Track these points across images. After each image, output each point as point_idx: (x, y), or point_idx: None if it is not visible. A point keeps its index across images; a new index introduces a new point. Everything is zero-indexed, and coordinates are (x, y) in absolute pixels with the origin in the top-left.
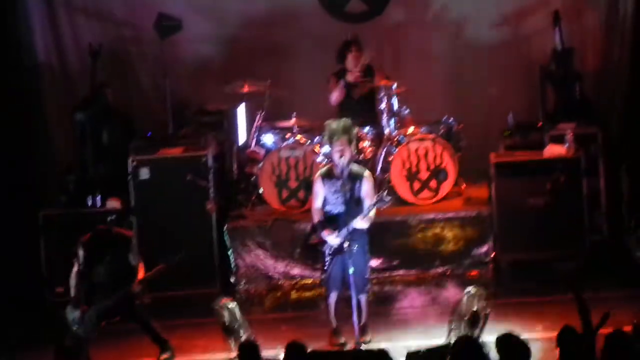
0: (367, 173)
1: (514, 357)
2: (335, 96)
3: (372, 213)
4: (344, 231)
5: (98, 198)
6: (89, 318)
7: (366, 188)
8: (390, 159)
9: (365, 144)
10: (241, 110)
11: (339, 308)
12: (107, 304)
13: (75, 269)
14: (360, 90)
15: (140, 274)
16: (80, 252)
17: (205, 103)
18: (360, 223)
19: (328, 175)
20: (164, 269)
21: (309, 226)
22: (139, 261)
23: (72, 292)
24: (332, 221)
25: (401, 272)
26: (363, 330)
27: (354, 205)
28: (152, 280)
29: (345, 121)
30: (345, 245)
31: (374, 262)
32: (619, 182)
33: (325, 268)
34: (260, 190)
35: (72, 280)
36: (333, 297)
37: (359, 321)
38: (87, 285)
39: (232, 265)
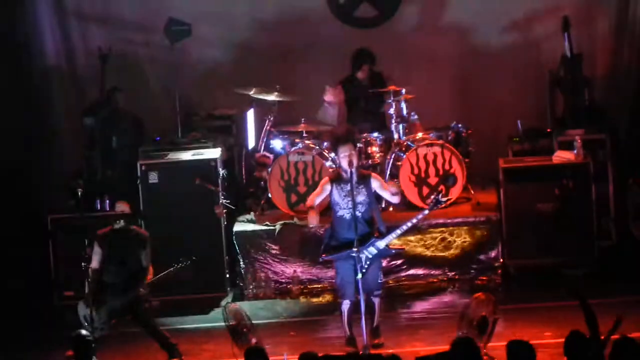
0: (372, 173)
1: None
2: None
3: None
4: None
5: (107, 202)
6: (98, 317)
7: (378, 183)
8: (399, 164)
9: (374, 149)
10: (250, 115)
11: (352, 316)
12: (117, 303)
13: (92, 265)
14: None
15: (149, 276)
16: (97, 247)
17: (214, 108)
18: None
19: (337, 180)
20: (173, 273)
21: (323, 237)
22: (149, 264)
23: (87, 288)
24: (345, 225)
25: (409, 276)
26: (375, 332)
27: (367, 207)
28: (159, 283)
29: (347, 127)
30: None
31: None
32: (626, 193)
33: (364, 271)
34: (269, 195)
35: (88, 277)
36: (346, 305)
37: (372, 323)
38: (100, 283)
39: (241, 270)
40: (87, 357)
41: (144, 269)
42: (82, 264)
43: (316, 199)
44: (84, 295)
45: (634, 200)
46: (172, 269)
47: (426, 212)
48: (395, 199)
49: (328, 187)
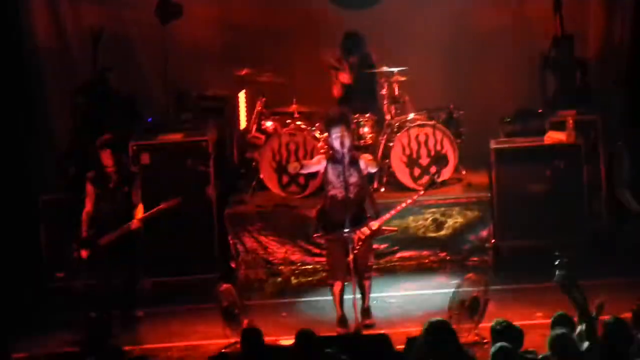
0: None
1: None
2: (335, 92)
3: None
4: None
5: None
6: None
7: (363, 161)
8: (390, 145)
9: (366, 130)
10: (242, 96)
11: (344, 297)
12: (109, 237)
13: (86, 209)
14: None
15: (140, 213)
16: (89, 187)
17: (206, 88)
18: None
19: (332, 160)
20: (165, 209)
21: (314, 218)
22: (139, 200)
23: (82, 231)
24: (337, 206)
25: (401, 257)
26: (366, 313)
27: (359, 188)
28: (152, 218)
29: (341, 109)
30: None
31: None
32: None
33: (356, 251)
34: (261, 176)
35: (83, 221)
36: (338, 286)
37: (363, 304)
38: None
39: (232, 251)
40: (100, 339)
41: (134, 205)
42: (74, 245)
43: (309, 164)
44: (80, 239)
45: (620, 164)
46: (162, 205)
47: (421, 193)
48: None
49: (324, 162)
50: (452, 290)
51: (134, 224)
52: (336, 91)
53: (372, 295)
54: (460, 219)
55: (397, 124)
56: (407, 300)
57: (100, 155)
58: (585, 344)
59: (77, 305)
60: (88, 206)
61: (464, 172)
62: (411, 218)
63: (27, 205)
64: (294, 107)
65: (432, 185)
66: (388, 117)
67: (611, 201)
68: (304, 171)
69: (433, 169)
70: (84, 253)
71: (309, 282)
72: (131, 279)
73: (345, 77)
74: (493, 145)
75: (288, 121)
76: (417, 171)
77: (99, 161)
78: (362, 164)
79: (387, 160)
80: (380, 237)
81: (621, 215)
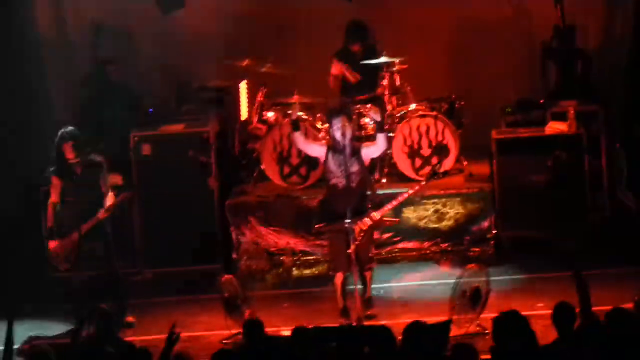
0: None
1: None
2: (332, 84)
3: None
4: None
5: None
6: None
7: (366, 149)
8: (391, 135)
9: (367, 120)
10: (243, 87)
11: (345, 287)
12: (74, 232)
13: (51, 199)
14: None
15: (110, 201)
16: (54, 180)
17: (207, 79)
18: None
19: (333, 148)
20: (129, 196)
21: (316, 208)
22: (109, 189)
23: (48, 222)
24: (338, 196)
25: (402, 248)
26: (368, 303)
27: (360, 177)
28: (118, 207)
29: (342, 99)
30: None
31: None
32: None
33: (357, 242)
34: (262, 166)
35: (48, 211)
36: (340, 277)
37: (365, 295)
38: (61, 217)
39: (234, 241)
40: (109, 332)
41: (103, 194)
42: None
43: (307, 141)
44: (46, 230)
45: (620, 166)
46: (127, 193)
47: (422, 183)
48: (382, 144)
49: (322, 149)
50: (454, 281)
51: (102, 213)
52: (333, 83)
53: (373, 285)
54: (461, 210)
55: (398, 114)
56: (408, 291)
57: (62, 149)
58: None
59: (77, 296)
60: (53, 197)
61: (465, 163)
62: (412, 209)
63: (29, 197)
64: (295, 98)
65: (433, 176)
66: (389, 107)
67: (612, 191)
68: (297, 143)
69: (435, 160)
70: (50, 244)
71: (310, 272)
72: (111, 271)
73: (350, 76)
74: (494, 135)
75: (289, 112)
76: (418, 162)
77: (62, 154)
78: (365, 150)
79: (388, 151)
80: (381, 227)
81: (622, 214)
